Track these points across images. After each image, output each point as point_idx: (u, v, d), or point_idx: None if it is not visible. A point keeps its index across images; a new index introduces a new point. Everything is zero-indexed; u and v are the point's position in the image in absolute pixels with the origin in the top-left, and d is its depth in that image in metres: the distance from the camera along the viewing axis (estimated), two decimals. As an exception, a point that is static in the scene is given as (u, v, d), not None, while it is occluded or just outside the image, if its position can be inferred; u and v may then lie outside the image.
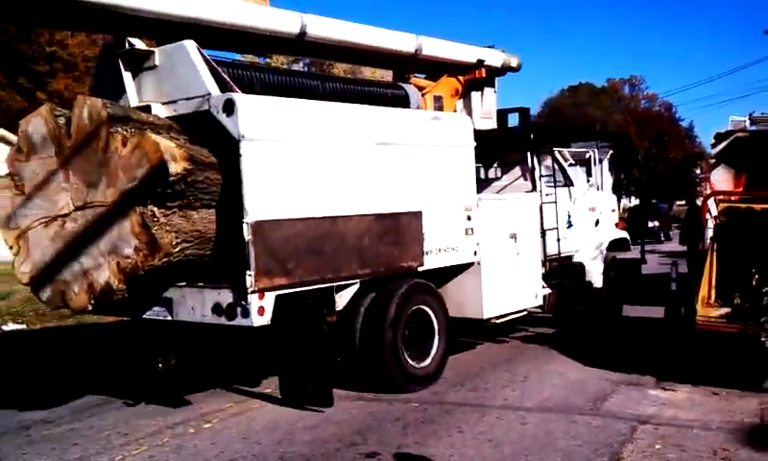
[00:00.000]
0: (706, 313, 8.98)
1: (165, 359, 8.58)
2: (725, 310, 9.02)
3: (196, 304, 7.82)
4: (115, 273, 7.16)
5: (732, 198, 10.47)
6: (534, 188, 11.86)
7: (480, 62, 11.56)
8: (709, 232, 9.95)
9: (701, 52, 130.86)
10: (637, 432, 7.32)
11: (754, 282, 8.87)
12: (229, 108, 7.31)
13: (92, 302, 7.41)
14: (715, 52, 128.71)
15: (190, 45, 7.84)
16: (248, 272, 7.24)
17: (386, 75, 12.07)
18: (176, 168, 7.00)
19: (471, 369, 10.11)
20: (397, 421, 7.85)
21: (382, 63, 11.19)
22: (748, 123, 14.61)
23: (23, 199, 7.78)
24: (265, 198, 7.46)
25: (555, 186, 12.04)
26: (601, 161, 13.99)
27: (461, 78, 11.41)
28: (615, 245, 13.74)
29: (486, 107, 11.57)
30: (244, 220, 7.26)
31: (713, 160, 13.88)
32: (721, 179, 13.33)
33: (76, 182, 7.41)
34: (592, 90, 77.82)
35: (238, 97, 7.41)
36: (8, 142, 25.71)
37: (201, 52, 7.88)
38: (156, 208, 7.08)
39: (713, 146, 13.95)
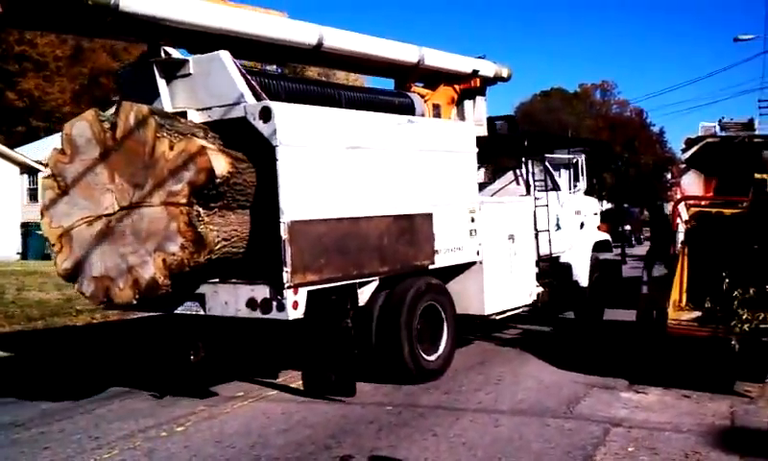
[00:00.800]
0: (677, 317, 9.07)
1: (197, 352, 9.06)
2: (696, 314, 9.13)
3: (230, 299, 8.18)
4: (161, 269, 7.54)
5: (703, 203, 10.59)
6: (528, 192, 12.53)
7: (475, 72, 12.02)
8: (680, 237, 10.06)
9: (671, 58, 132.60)
10: (610, 435, 7.37)
11: (724, 286, 8.94)
12: (266, 115, 7.74)
13: (137, 297, 7.74)
14: (686, 58, 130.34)
15: (225, 56, 8.26)
16: (284, 269, 7.67)
17: (360, 79, 12.25)
18: (221, 171, 7.52)
19: (446, 372, 10.10)
20: (371, 424, 7.84)
21: (386, 72, 11.59)
22: (718, 128, 14.79)
23: (66, 199, 8.10)
24: (299, 199, 7.92)
25: (546, 190, 12.64)
26: (580, 166, 14.52)
27: (456, 87, 11.88)
28: (598, 246, 14.26)
29: (477, 114, 12.06)
30: (280, 220, 7.71)
31: (683, 166, 14.05)
32: (691, 183, 13.48)
33: (121, 184, 7.76)
34: (565, 96, 78.51)
35: (275, 105, 7.86)
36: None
37: (235, 62, 8.29)
38: (200, 209, 7.49)
39: (684, 151, 14.11)
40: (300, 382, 9.29)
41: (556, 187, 13.38)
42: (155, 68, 8.45)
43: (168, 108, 8.36)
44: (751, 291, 8.74)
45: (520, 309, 11.75)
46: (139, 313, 11.39)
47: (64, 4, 7.30)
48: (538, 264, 12.24)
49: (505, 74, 13.13)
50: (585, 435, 7.34)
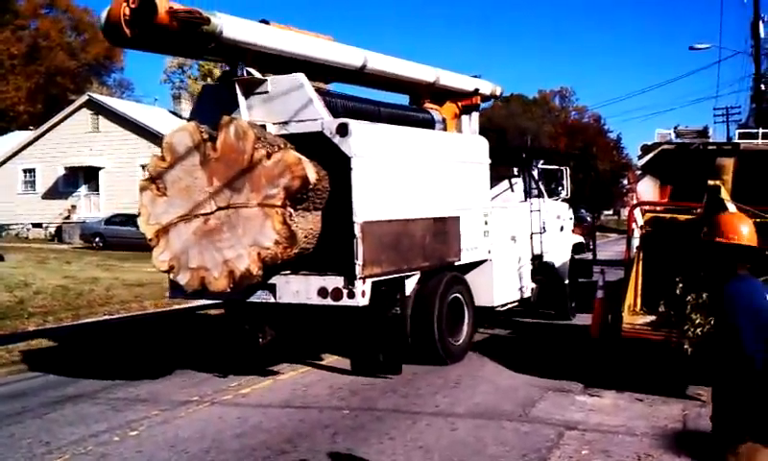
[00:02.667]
0: (632, 321, 9.18)
1: (265, 335, 10.25)
2: (650, 318, 9.23)
3: (301, 288, 9.31)
4: (255, 261, 8.58)
5: (658, 208, 10.73)
6: (525, 198, 14.02)
7: (476, 91, 13.40)
8: (636, 242, 10.18)
9: (629, 66, 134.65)
10: (564, 438, 7.42)
11: (678, 291, 9.05)
12: (343, 130, 8.94)
13: (231, 286, 8.75)
14: (643, 67, 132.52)
15: (303, 78, 9.42)
16: (356, 262, 8.88)
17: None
18: (313, 178, 8.60)
19: (404, 375, 10.07)
20: (327, 428, 7.80)
21: (406, 90, 12.74)
22: (673, 135, 15.02)
23: (164, 199, 9.09)
24: (368, 203, 9.15)
25: (539, 197, 14.05)
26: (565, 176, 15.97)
27: (459, 103, 13.18)
28: (574, 248, 15.60)
29: (472, 128, 13.37)
30: (354, 220, 8.93)
31: (639, 172, 14.25)
32: (647, 189, 13.67)
33: (219, 187, 8.79)
34: (524, 102, 79.11)
35: (351, 122, 9.08)
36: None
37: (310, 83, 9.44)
38: (292, 209, 8.54)
39: (640, 157, 14.31)
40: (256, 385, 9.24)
41: (541, 194, 14.46)
42: (237, 86, 9.42)
43: (246, 120, 9.19)
44: (704, 296, 8.86)
45: (516, 303, 13.12)
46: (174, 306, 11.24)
47: (182, 34, 8.32)
48: (532, 262, 13.62)
49: (498, 92, 14.70)
50: (540, 438, 7.39)
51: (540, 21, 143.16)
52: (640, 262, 9.70)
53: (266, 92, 9.49)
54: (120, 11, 8.21)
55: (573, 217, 16.48)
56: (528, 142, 15.01)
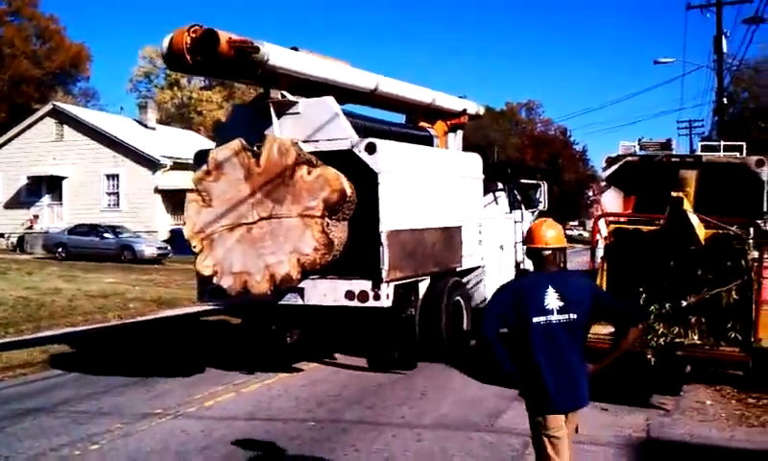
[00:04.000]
0: (596, 330, 9.20)
1: (292, 335, 11.45)
2: (612, 328, 9.26)
3: (328, 291, 10.14)
4: (295, 267, 9.47)
5: (622, 219, 10.83)
6: (511, 211, 15.02)
7: (464, 111, 14.55)
8: (600, 252, 10.27)
9: (595, 79, 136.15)
10: (530, 448, 7.37)
11: (641, 301, 9.16)
12: (371, 149, 9.79)
13: (272, 289, 9.61)
14: (609, 80, 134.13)
15: (332, 100, 10.38)
16: (382, 267, 9.76)
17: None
18: (349, 191, 9.46)
19: (370, 386, 10.09)
20: (292, 440, 7.73)
21: (403, 110, 13.72)
22: (637, 148, 15.19)
23: (209, 210, 9.93)
24: (392, 214, 10.03)
25: (520, 209, 15.17)
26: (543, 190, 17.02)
27: (448, 122, 14.29)
28: None
29: (457, 144, 14.56)
30: (380, 229, 9.80)
31: (604, 183, 14.40)
32: (611, 200, 13.81)
33: (261, 198, 9.67)
34: (492, 113, 79.64)
35: (378, 141, 9.95)
36: None
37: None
38: (329, 220, 9.36)
39: (604, 169, 14.46)
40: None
41: (518, 206, 15.49)
42: (271, 107, 10.21)
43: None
44: (667, 306, 8.99)
45: None
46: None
47: (236, 61, 9.29)
48: (515, 269, 14.57)
49: (481, 112, 15.99)
50: (505, 448, 7.41)
51: (508, 35, 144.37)
52: (604, 272, 9.77)
53: (297, 113, 10.31)
54: (182, 39, 9.15)
55: None
56: (495, 154, 15.80)
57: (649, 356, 8.68)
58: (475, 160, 13.39)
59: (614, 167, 14.27)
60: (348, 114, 10.76)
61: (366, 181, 9.77)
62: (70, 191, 37.90)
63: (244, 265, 9.70)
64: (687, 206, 8.88)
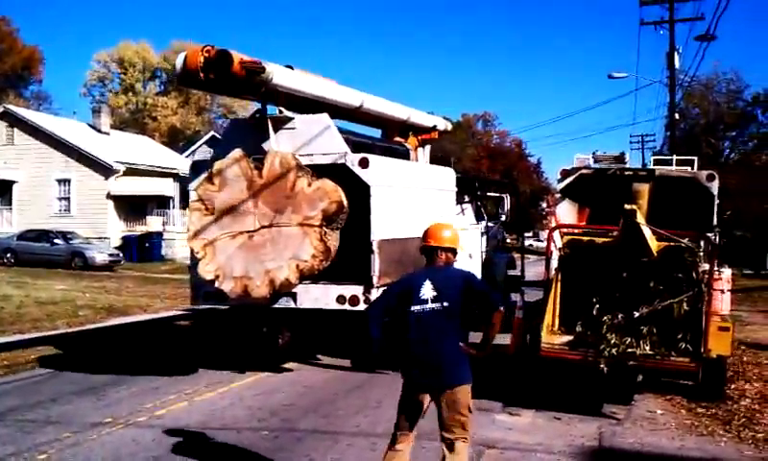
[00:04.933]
0: (550, 340, 9.32)
1: (284, 337, 12.13)
2: (568, 338, 9.39)
3: (320, 296, 10.70)
4: (294, 272, 10.07)
5: (576, 231, 10.94)
6: (478, 222, 15.78)
7: (434, 127, 15.64)
8: (554, 263, 10.36)
9: (550, 93, 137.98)
10: (484, 457, 7.48)
11: (594, 311, 9.26)
12: (365, 163, 10.45)
13: (271, 293, 10.23)
14: (563, 93, 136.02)
15: (327, 117, 10.96)
16: (373, 273, 10.41)
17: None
18: (346, 203, 10.06)
19: (325, 396, 10.02)
20: (247, 449, 7.64)
21: (380, 125, 14.43)
22: (591, 161, 15.39)
23: (212, 218, 10.50)
24: (382, 224, 10.66)
25: (485, 220, 16.10)
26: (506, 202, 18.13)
27: (419, 137, 15.31)
28: (508, 265, 17.63)
29: (426, 158, 15.52)
30: (372, 238, 10.45)
31: (559, 195, 14.55)
32: (566, 212, 13.95)
33: (264, 209, 10.28)
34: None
35: (370, 156, 10.65)
36: None
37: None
38: (327, 229, 9.94)
39: (559, 181, 14.61)
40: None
41: (483, 218, 16.33)
42: (269, 121, 10.78)
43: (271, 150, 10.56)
44: (619, 317, 9.09)
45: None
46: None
47: (245, 80, 9.91)
48: (482, 276, 14.87)
49: (449, 128, 17.26)
50: (460, 458, 7.38)
51: (465, 46, 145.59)
52: (559, 283, 9.86)
53: (293, 128, 10.89)
54: (197, 59, 9.81)
55: (505, 238, 18.72)
56: (452, 165, 16.69)
57: (602, 366, 8.77)
58: (450, 174, 14.17)
59: (569, 179, 14.43)
60: (338, 130, 11.26)
61: (356, 192, 10.30)
62: (20, 196, 37.14)
63: (245, 270, 10.29)
64: (640, 218, 9.00)
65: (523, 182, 69.99)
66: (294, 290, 10.56)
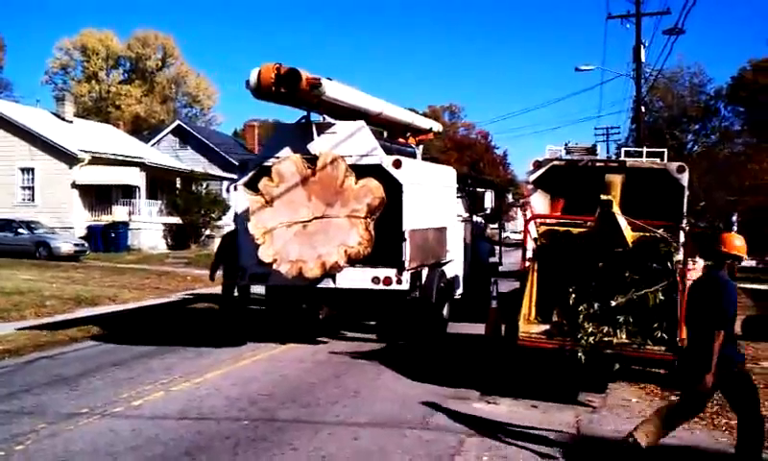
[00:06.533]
0: (527, 330, 9.39)
1: (324, 311, 14.88)
2: (544, 327, 9.46)
3: (356, 276, 12.23)
4: (342, 257, 11.67)
5: (549, 221, 11.02)
6: (469, 214, 17.35)
7: (431, 129, 17.48)
8: (529, 253, 10.44)
9: (517, 85, 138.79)
10: (465, 445, 7.52)
11: (571, 301, 9.34)
12: (398, 165, 12.12)
13: (322, 273, 11.81)
14: (531, 86, 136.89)
15: (363, 124, 12.73)
16: (404, 258, 12.10)
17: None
18: (385, 199, 11.73)
19: (302, 386, 10.00)
20: (228, 439, 7.60)
21: (389, 127, 15.74)
22: (563, 152, 15.51)
23: (271, 210, 11.95)
24: (411, 216, 12.33)
25: (472, 213, 17.61)
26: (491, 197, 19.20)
27: (417, 138, 16.94)
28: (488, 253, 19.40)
29: (420, 157, 16.84)
30: (404, 228, 12.11)
31: (531, 186, 14.65)
32: (538, 203, 14.04)
33: (315, 201, 11.85)
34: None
35: (403, 159, 12.37)
36: None
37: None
38: (370, 220, 11.60)
39: (532, 172, 14.71)
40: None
41: (470, 211, 17.70)
42: (314, 127, 12.62)
43: (316, 151, 12.21)
44: (595, 306, 9.19)
45: (459, 295, 16.00)
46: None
47: (306, 94, 11.64)
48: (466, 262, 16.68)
49: (441, 130, 19.64)
50: (442, 445, 7.46)
51: (431, 38, 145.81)
52: (535, 273, 9.93)
53: (334, 132, 12.58)
54: (269, 75, 11.37)
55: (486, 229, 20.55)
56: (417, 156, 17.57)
57: (579, 355, 8.86)
58: (452, 173, 16.00)
59: (541, 170, 14.53)
60: None
61: (389, 189, 11.83)
62: (-19, 185, 36.38)
63: (300, 254, 11.77)
64: (616, 208, 9.09)
65: (490, 174, 70.44)
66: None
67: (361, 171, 11.87)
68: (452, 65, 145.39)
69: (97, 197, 36.59)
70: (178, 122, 54.25)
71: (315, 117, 13.01)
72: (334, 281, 12.26)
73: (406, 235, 12.12)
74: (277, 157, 12.42)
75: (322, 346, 12.97)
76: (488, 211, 19.01)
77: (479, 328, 12.78)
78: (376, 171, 12.00)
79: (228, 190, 47.80)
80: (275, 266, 11.82)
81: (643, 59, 31.62)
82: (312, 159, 11.98)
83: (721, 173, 33.54)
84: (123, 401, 9.08)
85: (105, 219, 35.93)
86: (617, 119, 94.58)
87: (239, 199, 12.89)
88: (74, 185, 35.18)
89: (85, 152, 35.42)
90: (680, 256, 9.61)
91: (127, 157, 38.42)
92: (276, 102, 12.21)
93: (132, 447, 7.35)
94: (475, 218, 18.05)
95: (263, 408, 8.84)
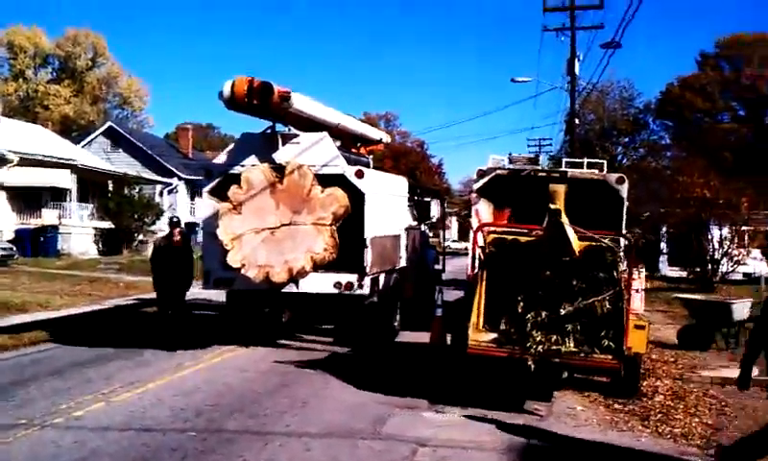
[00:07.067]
0: (477, 338, 9.39)
1: (286, 315, 15.11)
2: (493, 335, 9.47)
3: (318, 281, 12.60)
4: (308, 262, 12.00)
5: (497, 229, 11.07)
6: (418, 223, 18.03)
7: (381, 140, 18.39)
8: (476, 262, 10.47)
9: (454, 95, 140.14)
10: (418, 455, 7.49)
11: (519, 309, 9.39)
12: (361, 175, 12.78)
13: (288, 278, 12.08)
14: (467, 96, 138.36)
15: (326, 135, 13.39)
16: (366, 264, 12.76)
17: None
18: (350, 208, 12.22)
19: (247, 395, 9.82)
20: (175, 451, 7.40)
21: (340, 137, 15.74)
22: (506, 161, 15.66)
23: (240, 217, 12.22)
24: (373, 225, 13.01)
25: (420, 221, 18.24)
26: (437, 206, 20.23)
27: (367, 148, 17.61)
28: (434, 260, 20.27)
29: (372, 167, 17.07)
30: (365, 236, 12.76)
31: (475, 195, 14.75)
32: (482, 211, 14.14)
33: (283, 209, 12.20)
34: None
35: (365, 170, 13.19)
36: None
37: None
38: (334, 228, 12.00)
39: (476, 181, 14.81)
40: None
41: (416, 219, 18.27)
42: (278, 137, 13.20)
43: (281, 160, 12.71)
44: (543, 314, 9.26)
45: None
46: None
47: (276, 106, 12.28)
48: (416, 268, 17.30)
49: (389, 140, 20.65)
50: (395, 456, 7.42)
51: (368, 46, 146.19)
52: (484, 281, 9.95)
53: (298, 143, 13.14)
54: (243, 88, 11.97)
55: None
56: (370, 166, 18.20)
57: (529, 363, 8.92)
58: (404, 183, 16.83)
59: (485, 179, 14.66)
60: None
61: (354, 198, 12.39)
62: None
63: (267, 260, 12.07)
64: (565, 218, 9.20)
65: (426, 182, 70.87)
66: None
67: (324, 180, 12.27)
68: (388, 73, 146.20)
69: (26, 200, 35.43)
70: (109, 124, 53.07)
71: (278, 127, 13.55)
72: (297, 286, 12.53)
73: (368, 242, 12.77)
74: (242, 166, 12.85)
75: (265, 353, 12.82)
76: (434, 220, 19.84)
77: (425, 337, 12.81)
78: (338, 180, 12.49)
79: (161, 194, 47.07)
80: (242, 271, 12.07)
81: (577, 72, 32.22)
82: (279, 169, 12.37)
83: (652, 185, 34.37)
84: (63, 412, 8.76)
85: (34, 223, 34.80)
86: (551, 131, 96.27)
87: (204, 205, 13.60)
88: (1, 187, 33.99)
89: (14, 153, 34.22)
90: (624, 266, 9.77)
91: (57, 158, 37.29)
92: (246, 113, 12.74)
93: (75, 459, 7.08)
94: (422, 226, 18.67)
95: (209, 419, 8.64)
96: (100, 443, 7.58)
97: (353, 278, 12.71)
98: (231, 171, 12.93)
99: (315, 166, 12.55)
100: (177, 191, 50.10)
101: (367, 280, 12.75)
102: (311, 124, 13.66)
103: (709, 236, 26.97)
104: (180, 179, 50.15)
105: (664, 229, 30.56)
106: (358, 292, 12.77)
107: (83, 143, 48.84)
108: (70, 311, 17.52)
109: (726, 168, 35.66)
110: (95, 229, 36.92)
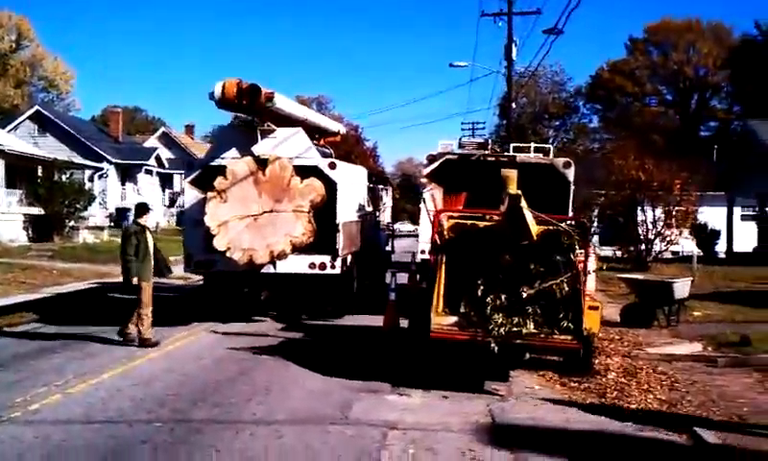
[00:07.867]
0: (439, 322, 9.49)
1: (264, 294, 16.29)
2: (454, 319, 9.58)
3: (295, 262, 14.03)
4: (288, 245, 13.42)
5: (454, 214, 11.18)
6: (375, 210, 20.11)
7: (339, 131, 20.31)
8: (425, 246, 10.59)
9: (388, 79, 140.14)
10: (389, 438, 7.55)
11: (479, 293, 9.51)
12: (333, 166, 14.43)
13: (270, 260, 13.51)
14: (403, 80, 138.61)
15: (301, 129, 14.91)
16: (337, 246, 14.28)
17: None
18: (325, 197, 13.84)
19: (208, 384, 9.72)
20: (144, 443, 7.27)
21: (305, 129, 16.38)
22: (455, 146, 15.83)
23: (225, 205, 13.50)
24: (343, 211, 14.56)
25: (375, 206, 20.18)
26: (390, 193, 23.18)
27: (327, 139, 19.14)
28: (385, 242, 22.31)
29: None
30: (337, 221, 14.30)
31: (426, 180, 14.88)
32: (434, 196, 14.29)
33: (266, 198, 13.56)
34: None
35: (338, 162, 14.88)
36: None
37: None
38: (311, 214, 13.45)
39: (426, 166, 14.95)
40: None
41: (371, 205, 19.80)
42: (257, 130, 14.30)
43: (260, 153, 14.01)
44: (503, 297, 9.40)
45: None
46: None
47: (261, 105, 13.44)
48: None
49: (344, 132, 23.38)
50: (366, 440, 7.46)
51: (300, 27, 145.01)
52: (443, 266, 10.03)
53: (275, 137, 14.37)
54: (232, 90, 12.99)
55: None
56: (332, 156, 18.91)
57: (492, 345, 9.06)
58: (364, 172, 18.93)
59: (435, 164, 14.81)
60: None
61: (327, 187, 13.88)
62: None
63: (251, 244, 13.38)
64: (524, 203, 9.34)
65: (361, 166, 70.86)
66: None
67: (299, 171, 13.64)
68: (321, 56, 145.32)
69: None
70: (36, 107, 51.36)
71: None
72: (275, 267, 13.83)
73: (340, 227, 14.28)
74: (223, 158, 14.23)
75: (219, 340, 12.72)
76: (386, 205, 21.75)
77: (378, 320, 12.88)
78: (312, 171, 13.93)
79: (91, 179, 45.85)
80: (228, 254, 13.32)
81: (515, 57, 32.65)
82: (262, 161, 13.65)
83: (587, 168, 35.14)
84: (18, 406, 8.48)
85: (-42, 210, 33.56)
86: (485, 115, 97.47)
87: (186, 195, 14.92)
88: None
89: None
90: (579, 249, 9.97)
91: (-18, 144, 35.98)
92: (234, 111, 14.28)
93: (42, 455, 6.92)
94: (376, 211, 20.44)
95: (174, 409, 8.51)
96: (64, 437, 7.40)
97: (327, 259, 14.15)
98: (212, 163, 14.33)
99: (291, 158, 13.82)
100: (107, 176, 48.95)
101: (338, 261, 14.20)
102: (283, 118, 14.76)
103: (643, 217, 27.76)
104: (110, 163, 49.01)
105: (597, 211, 31.28)
106: (330, 271, 14.19)
107: (8, 128, 47.16)
108: (4, 301, 16.93)
109: (657, 150, 36.63)
110: (24, 215, 35.76)
